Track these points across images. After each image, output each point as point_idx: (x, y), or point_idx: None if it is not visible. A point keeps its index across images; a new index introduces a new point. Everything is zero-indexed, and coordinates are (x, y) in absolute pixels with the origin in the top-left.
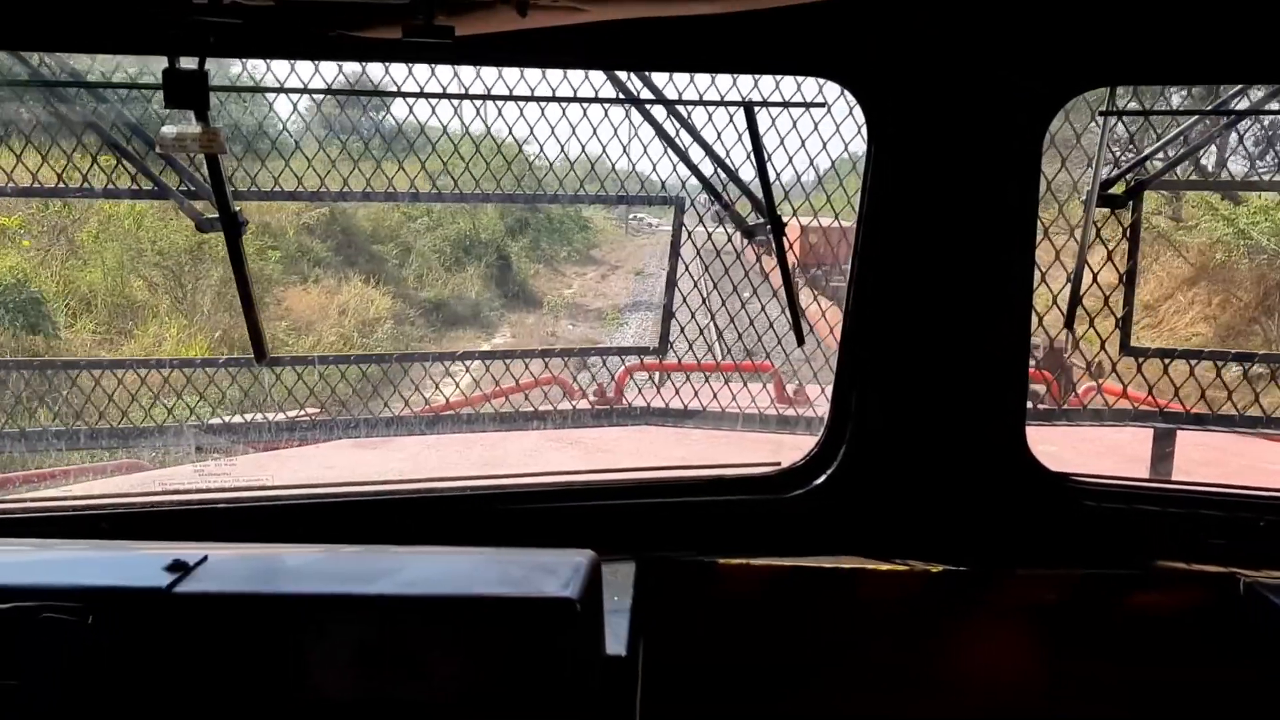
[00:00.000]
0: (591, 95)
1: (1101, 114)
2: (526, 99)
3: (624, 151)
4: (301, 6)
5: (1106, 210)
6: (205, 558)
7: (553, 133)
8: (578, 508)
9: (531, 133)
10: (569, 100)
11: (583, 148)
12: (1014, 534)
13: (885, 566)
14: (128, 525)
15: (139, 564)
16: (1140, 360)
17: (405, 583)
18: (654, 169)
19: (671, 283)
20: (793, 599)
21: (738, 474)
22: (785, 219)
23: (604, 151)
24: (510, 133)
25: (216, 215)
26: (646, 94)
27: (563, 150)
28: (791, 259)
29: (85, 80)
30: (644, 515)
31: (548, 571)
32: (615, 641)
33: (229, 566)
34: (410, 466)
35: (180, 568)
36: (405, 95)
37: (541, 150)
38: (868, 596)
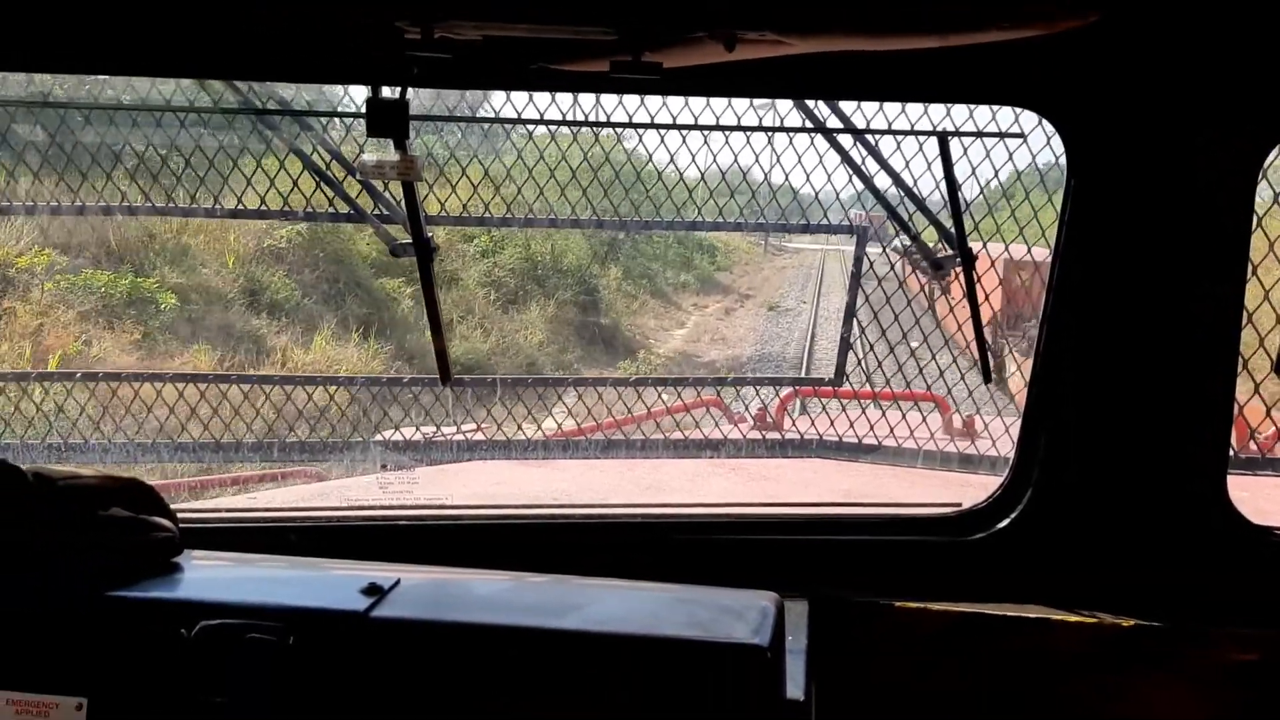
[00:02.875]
0: (778, 124)
1: None
2: (714, 128)
3: (807, 178)
4: (509, 41)
5: None
6: (399, 581)
7: (751, 159)
8: (750, 541)
9: (714, 160)
10: (756, 129)
11: (765, 174)
12: (1213, 590)
13: (1073, 618)
14: (314, 539)
15: (336, 584)
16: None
17: (594, 619)
18: (837, 196)
19: (851, 313)
20: (973, 646)
21: (916, 513)
22: (975, 249)
23: (786, 178)
24: (693, 161)
25: (409, 241)
26: (834, 122)
27: (744, 177)
28: (991, 305)
29: (291, 108)
30: (818, 552)
31: (735, 615)
32: (794, 685)
33: (421, 590)
34: (574, 486)
35: (376, 591)
36: (594, 124)
37: (728, 177)
38: (1054, 647)
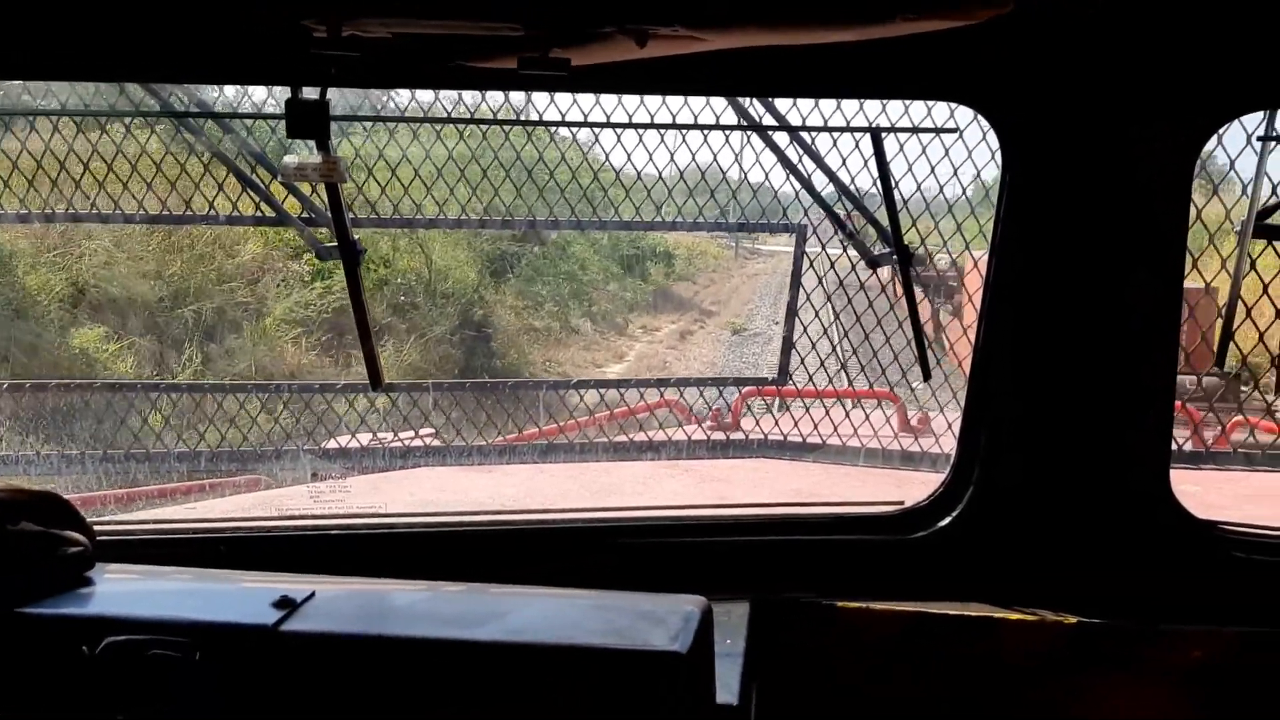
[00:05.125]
0: (713, 121)
1: (1259, 140)
2: (646, 126)
3: (744, 177)
4: (419, 39)
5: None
6: (313, 593)
7: (718, 159)
8: (692, 544)
9: (651, 158)
10: (689, 127)
11: (703, 173)
12: (1157, 586)
13: (1015, 616)
14: (245, 550)
15: (246, 598)
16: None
17: (510, 629)
18: (775, 195)
19: (792, 312)
20: (917, 646)
21: (859, 512)
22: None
23: (724, 177)
24: (629, 158)
25: (335, 244)
26: (769, 119)
27: (703, 176)
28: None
29: (213, 111)
30: (760, 553)
31: (655, 621)
32: (725, 690)
33: (336, 603)
34: (522, 492)
35: (287, 604)
36: (519, 124)
37: (661, 177)
38: (996, 647)
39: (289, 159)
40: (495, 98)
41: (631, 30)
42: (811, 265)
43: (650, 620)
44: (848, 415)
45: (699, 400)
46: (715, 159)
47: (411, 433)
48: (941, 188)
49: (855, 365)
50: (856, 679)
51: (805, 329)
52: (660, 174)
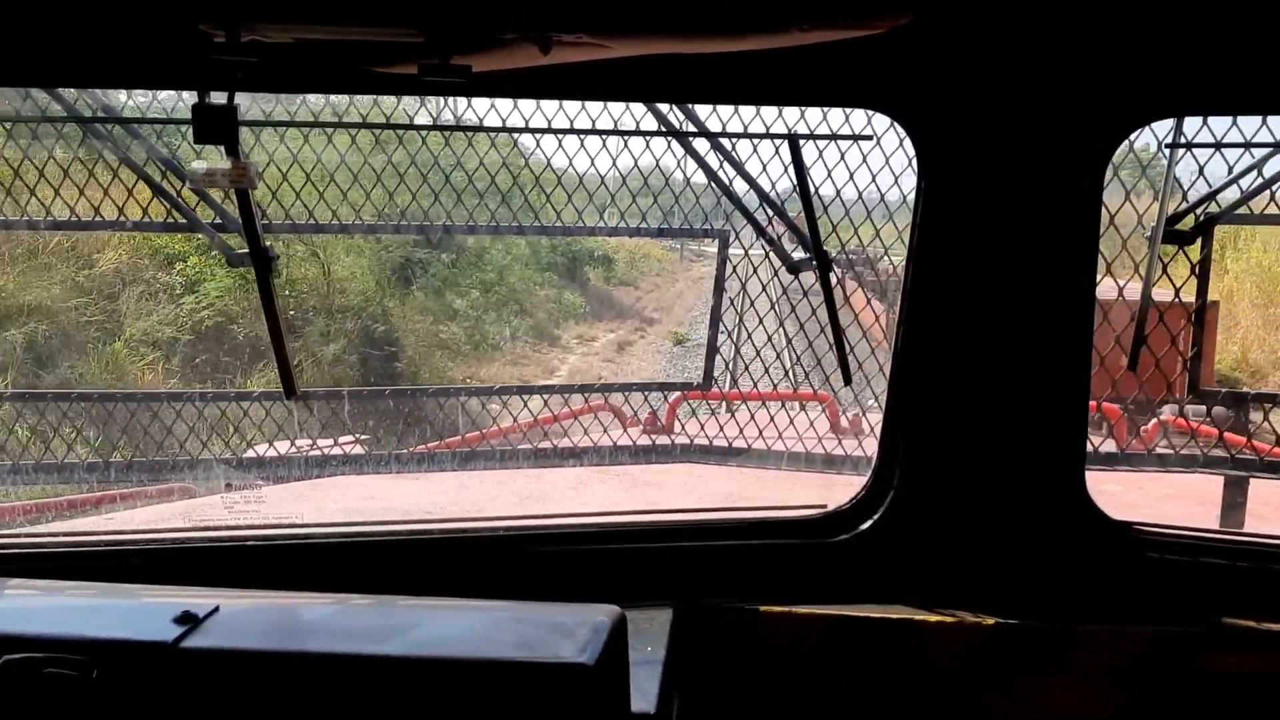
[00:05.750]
0: (633, 127)
1: (1168, 146)
2: (566, 131)
3: (666, 183)
4: (320, 44)
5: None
6: (217, 608)
7: (592, 163)
8: (614, 551)
9: (593, 163)
10: (609, 133)
11: (645, 178)
12: (1074, 586)
13: (936, 618)
14: (158, 562)
15: (149, 613)
16: (1211, 403)
17: (418, 642)
18: (697, 201)
19: (716, 318)
20: (839, 650)
21: (781, 516)
22: None
23: (667, 181)
24: (549, 164)
25: (246, 250)
26: (690, 126)
27: (625, 181)
28: None
29: (120, 116)
30: (683, 559)
31: (565, 633)
32: (642, 698)
33: (240, 618)
34: (450, 499)
35: (189, 620)
36: (437, 129)
37: (604, 180)
38: (917, 650)
39: (197, 164)
40: (432, 99)
41: (535, 37)
42: (756, 271)
43: (560, 632)
44: (773, 419)
45: (639, 404)
46: (658, 163)
47: (331, 441)
48: (884, 193)
49: (795, 368)
50: (779, 683)
51: (750, 334)
52: (603, 177)
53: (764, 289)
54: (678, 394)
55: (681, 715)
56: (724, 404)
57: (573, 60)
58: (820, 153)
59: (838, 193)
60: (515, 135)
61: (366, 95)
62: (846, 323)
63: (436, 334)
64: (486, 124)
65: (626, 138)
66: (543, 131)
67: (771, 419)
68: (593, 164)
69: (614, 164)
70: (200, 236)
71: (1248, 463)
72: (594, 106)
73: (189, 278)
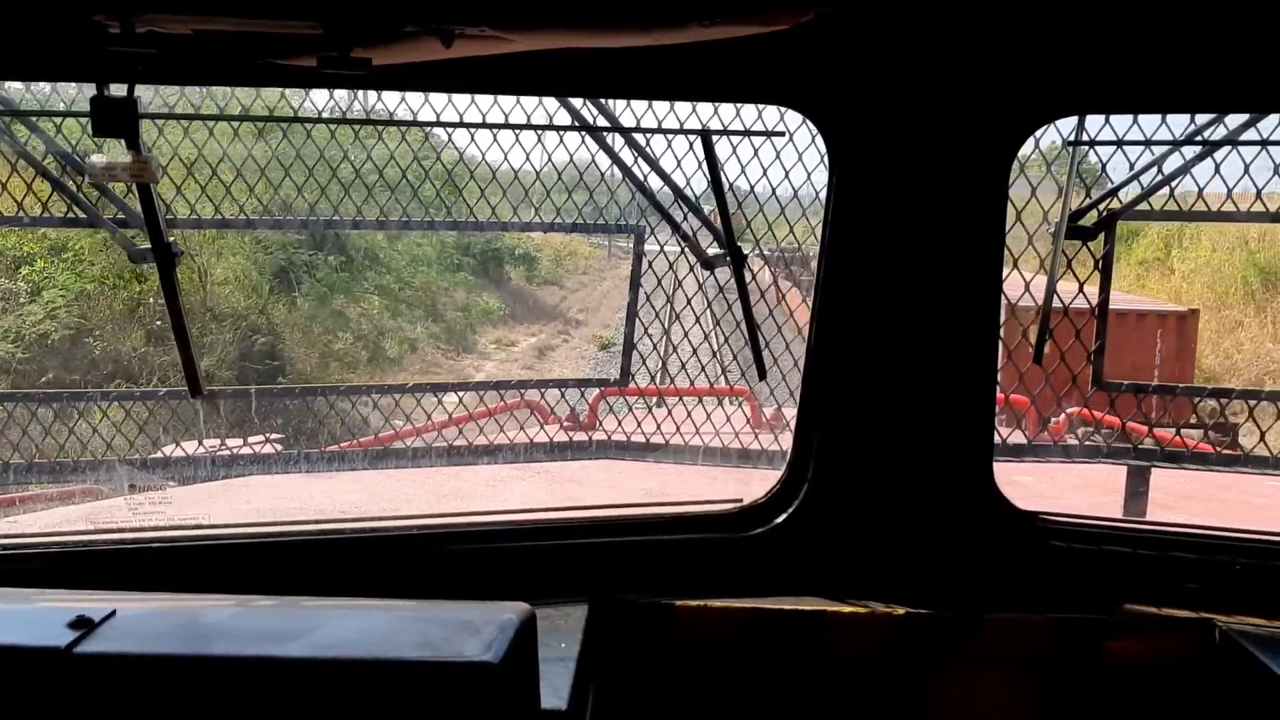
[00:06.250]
0: (546, 121)
1: (1070, 144)
2: (477, 125)
3: (580, 178)
4: (220, 36)
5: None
6: (114, 612)
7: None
8: (529, 548)
9: (484, 158)
10: (521, 127)
11: (559, 173)
12: (982, 575)
13: (848, 609)
14: (59, 565)
15: (43, 618)
16: (1114, 395)
17: (319, 644)
18: (612, 196)
19: (633, 314)
20: (753, 643)
21: (697, 511)
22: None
23: (560, 177)
24: (462, 158)
25: (149, 246)
26: (603, 121)
27: (581, 176)
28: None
29: (17, 109)
30: (599, 555)
31: (471, 631)
32: (554, 694)
33: (138, 622)
34: (365, 498)
35: (84, 624)
36: (344, 122)
37: (517, 175)
38: (831, 641)
39: (96, 158)
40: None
41: (437, 31)
42: (693, 269)
43: (466, 630)
44: (689, 415)
45: (558, 401)
46: (572, 158)
47: (240, 440)
48: (819, 191)
49: (717, 364)
50: (694, 677)
51: (666, 329)
52: (516, 171)
53: (680, 285)
54: (599, 390)
55: (596, 711)
56: (645, 400)
57: (476, 54)
58: (734, 149)
59: (750, 188)
60: (427, 129)
61: (269, 88)
62: (776, 319)
63: (329, 345)
64: (398, 117)
65: (541, 132)
66: (453, 125)
67: (688, 415)
68: (505, 159)
69: (527, 158)
70: (53, 234)
71: (1149, 453)
72: (510, 100)
73: (35, 283)
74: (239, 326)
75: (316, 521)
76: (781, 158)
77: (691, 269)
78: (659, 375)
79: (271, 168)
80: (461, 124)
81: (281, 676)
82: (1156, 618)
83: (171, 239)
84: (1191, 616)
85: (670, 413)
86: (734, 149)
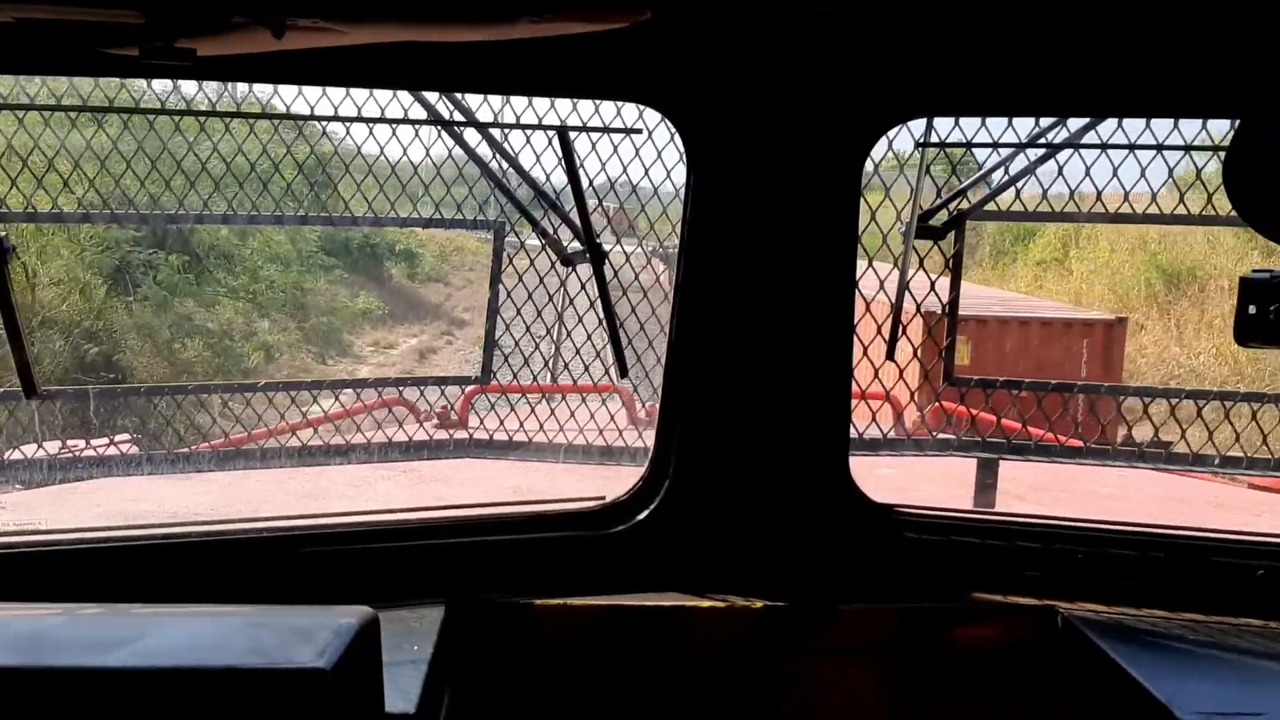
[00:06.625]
0: (401, 115)
1: (919, 145)
2: (329, 119)
3: (460, 173)
4: (42, 24)
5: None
6: None
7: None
8: (384, 549)
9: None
10: (374, 121)
11: (437, 167)
12: (839, 567)
13: (706, 604)
14: None
15: None
16: (964, 389)
17: (146, 653)
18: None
19: (493, 310)
20: (612, 640)
21: (559, 509)
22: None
23: (415, 171)
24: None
25: None
26: (459, 115)
27: (461, 170)
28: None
29: None
30: (457, 556)
31: (304, 636)
32: (402, 699)
33: None
34: (220, 500)
35: None
36: (189, 114)
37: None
38: (690, 636)
39: None
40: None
41: (266, 21)
42: (532, 262)
43: (299, 636)
44: (570, 412)
45: (436, 398)
46: (450, 153)
47: (83, 442)
48: (655, 186)
49: (601, 361)
50: (553, 676)
51: (524, 326)
52: (370, 165)
53: (564, 282)
54: (472, 388)
55: (451, 713)
56: (528, 398)
57: (310, 45)
58: (594, 145)
59: (633, 185)
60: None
61: (97, 77)
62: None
63: (177, 354)
64: (273, 109)
65: (395, 126)
66: (295, 118)
67: (572, 413)
68: (382, 153)
69: (404, 153)
70: None
71: (997, 445)
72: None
73: None
74: (70, 334)
75: (163, 525)
76: (662, 156)
77: (571, 265)
78: (541, 372)
79: (112, 159)
80: (313, 117)
81: (104, 687)
82: (1003, 605)
83: (3, 233)
84: (1036, 604)
85: (553, 411)
86: (615, 146)
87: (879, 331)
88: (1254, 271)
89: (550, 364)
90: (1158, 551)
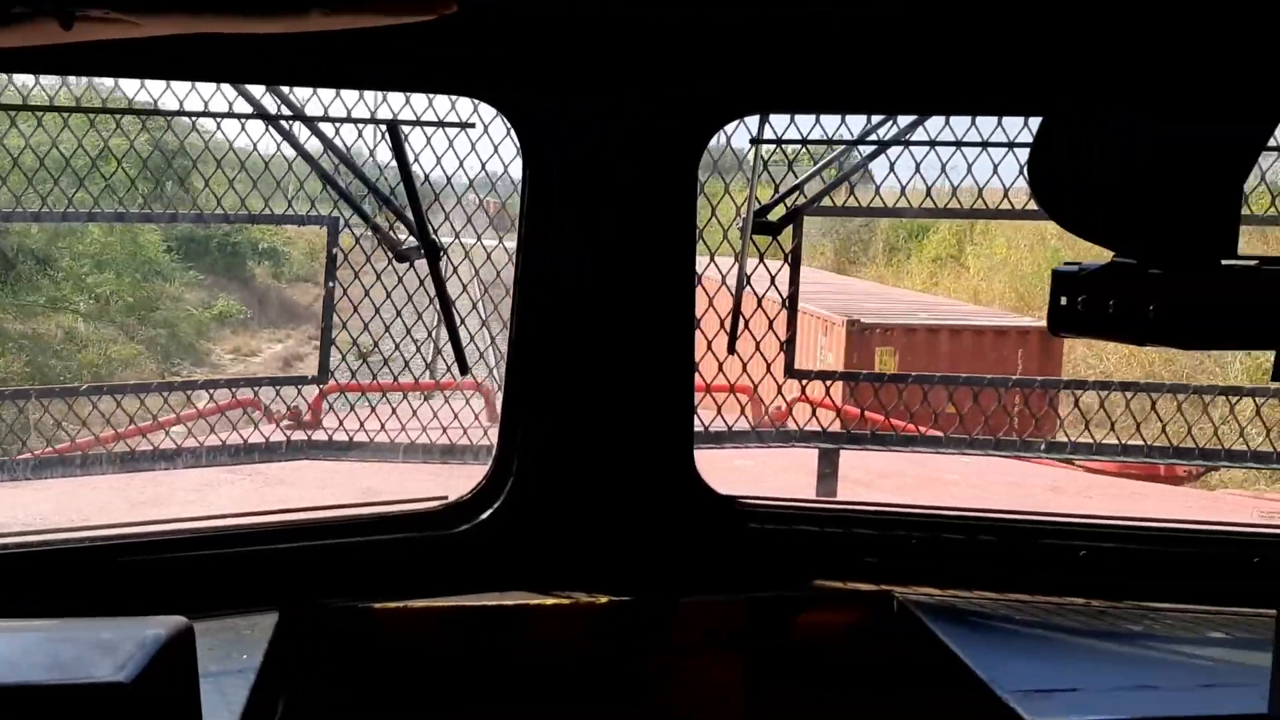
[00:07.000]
0: (226, 109)
1: (752, 142)
2: (151, 112)
3: (289, 168)
4: None
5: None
6: None
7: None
8: (214, 556)
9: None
10: (198, 115)
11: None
12: (685, 560)
13: (551, 601)
14: None
15: None
16: (804, 382)
17: None
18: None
19: (329, 306)
20: (456, 642)
21: (399, 510)
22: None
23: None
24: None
25: None
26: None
27: (267, 166)
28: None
29: None
30: (294, 561)
31: (108, 650)
32: (226, 710)
33: None
34: (53, 508)
35: None
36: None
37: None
38: (535, 634)
39: None
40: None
41: (52, 12)
42: (380, 261)
43: (102, 650)
44: (433, 413)
45: (295, 399)
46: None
47: None
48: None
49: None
50: (395, 680)
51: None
52: (219, 160)
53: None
54: (330, 384)
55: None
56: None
57: (104, 37)
58: (429, 139)
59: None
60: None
61: None
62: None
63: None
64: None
65: (219, 120)
66: (99, 111)
67: (434, 413)
68: (231, 148)
69: (254, 147)
70: None
71: (837, 435)
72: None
73: None
74: None
75: None
76: (500, 152)
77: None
78: (402, 371)
79: None
80: (130, 110)
81: None
82: (843, 592)
83: None
84: (873, 589)
85: (415, 410)
86: (450, 141)
87: (746, 325)
88: (1065, 264)
89: (430, 363)
90: (987, 535)
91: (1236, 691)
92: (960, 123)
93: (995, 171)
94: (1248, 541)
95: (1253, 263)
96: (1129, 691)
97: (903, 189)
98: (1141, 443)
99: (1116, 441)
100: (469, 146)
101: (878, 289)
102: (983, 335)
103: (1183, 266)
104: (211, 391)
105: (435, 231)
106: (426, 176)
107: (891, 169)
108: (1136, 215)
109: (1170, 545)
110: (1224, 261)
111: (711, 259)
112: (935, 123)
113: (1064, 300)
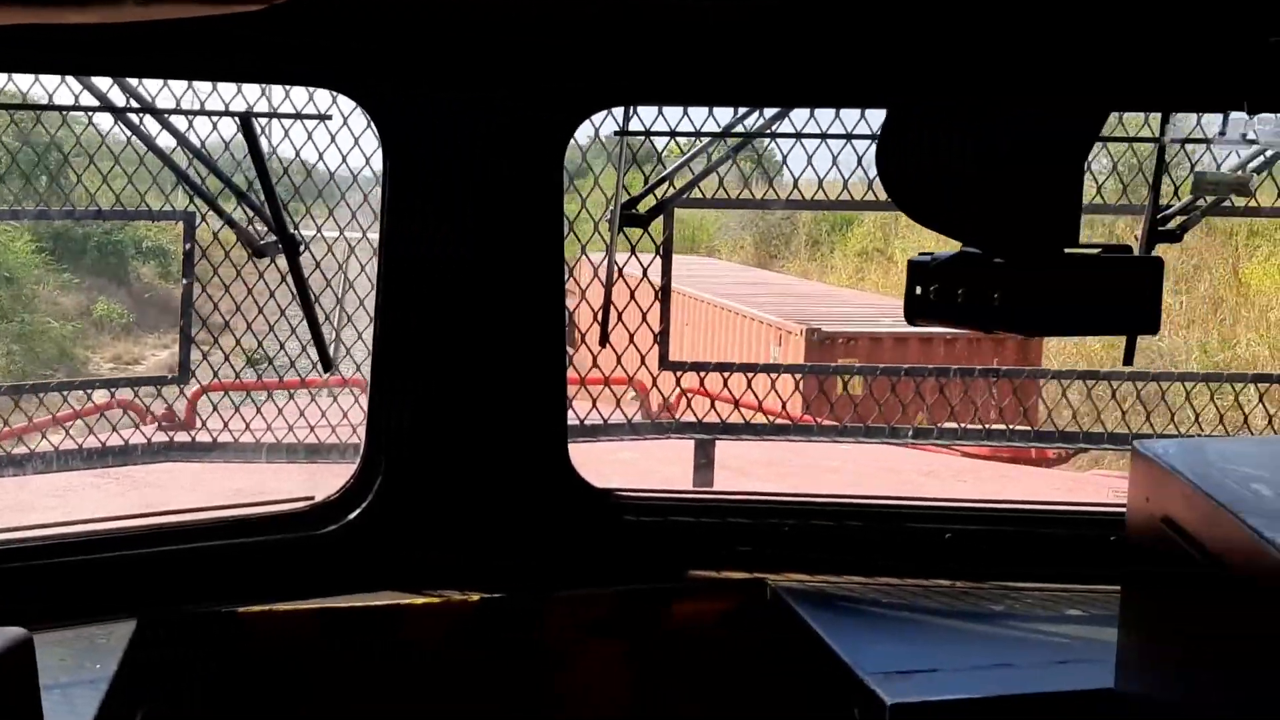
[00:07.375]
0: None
1: (619, 133)
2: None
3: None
4: None
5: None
6: None
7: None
8: (68, 564)
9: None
10: (46, 108)
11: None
12: (559, 555)
13: (421, 601)
14: None
15: None
16: (679, 374)
17: None
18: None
19: (188, 303)
20: (323, 645)
21: (264, 512)
22: None
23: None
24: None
25: None
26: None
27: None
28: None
29: None
30: (153, 566)
31: None
32: None
33: None
34: None
35: None
36: None
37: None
38: (404, 634)
39: None
40: None
41: None
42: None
43: None
44: (323, 410)
45: (177, 398)
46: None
47: None
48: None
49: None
50: (260, 685)
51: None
52: (66, 154)
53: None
54: (197, 388)
55: None
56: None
57: None
58: (286, 131)
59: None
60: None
61: None
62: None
63: None
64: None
65: (65, 113)
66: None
67: (325, 411)
68: (104, 141)
69: (128, 142)
70: None
71: (712, 426)
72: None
73: None
74: None
75: None
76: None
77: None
78: (289, 369)
79: None
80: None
81: None
82: (716, 581)
83: None
84: (747, 578)
85: (304, 410)
86: (286, 132)
87: (596, 318)
88: (920, 255)
89: (293, 361)
90: (856, 520)
91: (1087, 668)
92: (850, 115)
93: (860, 163)
94: (1104, 521)
95: (1094, 251)
96: (986, 670)
97: (770, 180)
98: (1004, 426)
99: (980, 426)
100: (329, 138)
101: (825, 289)
102: (954, 344)
103: (1025, 256)
104: (89, 393)
105: (296, 226)
106: (302, 169)
107: (760, 162)
108: (980, 206)
109: (1032, 526)
110: (1066, 250)
111: (583, 251)
112: (824, 115)
113: (918, 289)
